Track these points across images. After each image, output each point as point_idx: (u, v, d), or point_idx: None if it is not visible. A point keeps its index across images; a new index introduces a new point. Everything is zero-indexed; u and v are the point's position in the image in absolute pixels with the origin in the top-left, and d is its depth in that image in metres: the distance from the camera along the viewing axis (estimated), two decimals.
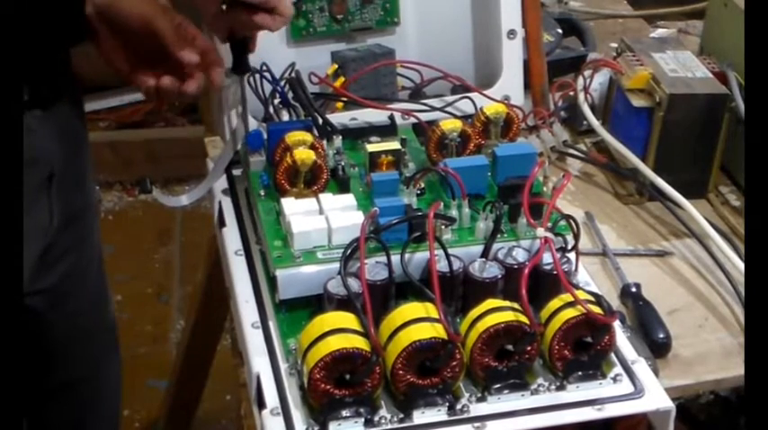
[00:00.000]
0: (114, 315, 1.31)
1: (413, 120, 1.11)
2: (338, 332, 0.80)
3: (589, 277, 0.95)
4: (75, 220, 1.12)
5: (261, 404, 0.82)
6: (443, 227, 0.91)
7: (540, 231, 0.88)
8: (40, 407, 1.20)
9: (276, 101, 1.08)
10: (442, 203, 0.91)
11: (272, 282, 0.89)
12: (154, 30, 0.96)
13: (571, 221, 0.90)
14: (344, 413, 0.79)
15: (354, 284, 0.85)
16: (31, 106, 1.00)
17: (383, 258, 0.87)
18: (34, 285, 1.07)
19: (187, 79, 0.98)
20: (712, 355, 1.00)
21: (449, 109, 1.15)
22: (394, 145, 1.01)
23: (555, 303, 0.84)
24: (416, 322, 0.80)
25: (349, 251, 0.87)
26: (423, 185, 0.97)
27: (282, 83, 1.08)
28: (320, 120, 1.06)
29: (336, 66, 1.18)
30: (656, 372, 0.91)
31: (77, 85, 1.11)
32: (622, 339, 0.88)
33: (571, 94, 1.29)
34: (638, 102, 1.20)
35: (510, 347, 0.82)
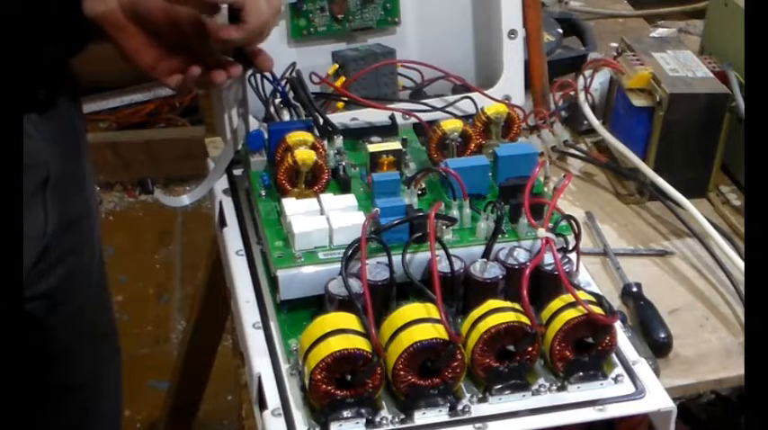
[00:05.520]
0: (115, 317, 1.31)
1: (414, 120, 1.11)
2: (339, 333, 0.80)
3: (590, 277, 0.95)
4: (73, 224, 1.11)
5: (262, 405, 0.82)
6: (444, 227, 0.91)
7: (541, 231, 0.88)
8: (39, 411, 1.19)
9: (277, 101, 1.08)
10: (443, 203, 0.91)
11: (273, 282, 0.89)
12: (176, 22, 0.95)
13: (572, 221, 0.90)
14: (346, 414, 0.79)
15: (355, 285, 0.85)
16: (28, 110, 1.00)
17: (384, 259, 0.87)
18: (31, 290, 1.07)
19: (213, 70, 0.97)
20: (713, 355, 1.00)
21: (449, 109, 1.15)
22: (395, 145, 1.01)
23: (556, 304, 0.84)
24: (417, 323, 0.80)
25: (350, 251, 0.87)
26: (424, 185, 0.97)
27: (283, 83, 1.07)
28: (321, 120, 1.06)
29: (337, 65, 1.18)
30: (656, 372, 0.91)
31: (76, 86, 1.11)
32: (623, 339, 0.88)
33: (572, 93, 1.29)
34: (638, 101, 1.20)
35: (511, 348, 0.82)
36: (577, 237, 0.90)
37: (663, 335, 0.99)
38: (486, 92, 1.18)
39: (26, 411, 1.16)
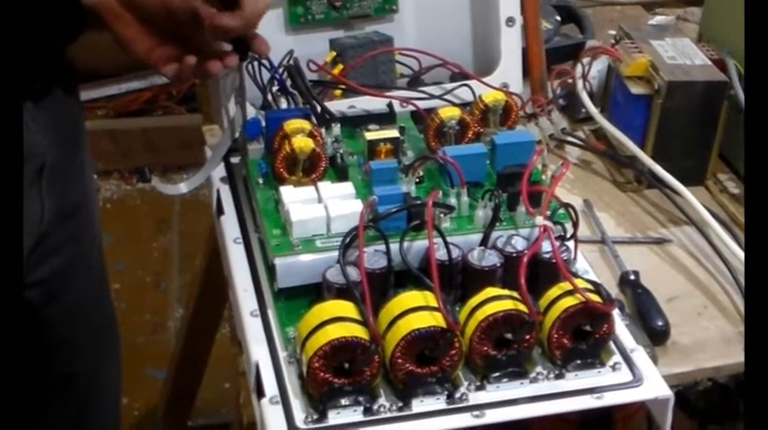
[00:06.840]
0: (114, 306, 1.31)
1: (411, 107, 1.11)
2: (337, 321, 0.80)
3: (588, 265, 0.95)
4: (71, 213, 1.11)
5: (260, 393, 0.82)
6: (442, 215, 0.91)
7: (539, 219, 0.88)
8: (40, 402, 1.20)
9: (274, 88, 1.07)
10: (440, 192, 0.91)
11: (271, 270, 0.89)
12: (171, 10, 0.95)
13: (570, 209, 0.90)
14: (344, 401, 0.79)
15: (353, 273, 0.84)
16: (23, 99, 1.00)
17: (382, 247, 0.87)
18: (29, 277, 1.07)
19: (209, 59, 0.96)
20: (711, 343, 1.00)
21: (447, 96, 1.15)
22: (392, 133, 1.00)
23: (554, 292, 0.84)
24: (415, 311, 0.80)
25: (348, 239, 0.87)
26: (421, 173, 0.97)
27: (281, 70, 1.07)
28: (319, 108, 1.06)
29: (335, 53, 1.18)
30: (654, 360, 0.91)
31: (73, 75, 1.10)
32: (621, 327, 0.88)
33: (570, 81, 1.29)
34: (636, 89, 1.20)
35: (509, 336, 0.82)
36: (575, 225, 0.90)
37: (660, 323, 0.99)
38: (483, 79, 1.18)
39: (27, 402, 1.16)
